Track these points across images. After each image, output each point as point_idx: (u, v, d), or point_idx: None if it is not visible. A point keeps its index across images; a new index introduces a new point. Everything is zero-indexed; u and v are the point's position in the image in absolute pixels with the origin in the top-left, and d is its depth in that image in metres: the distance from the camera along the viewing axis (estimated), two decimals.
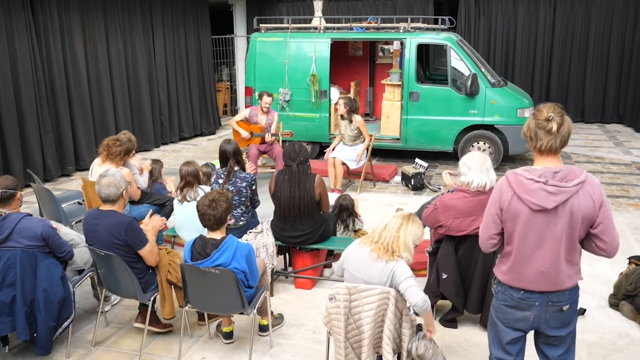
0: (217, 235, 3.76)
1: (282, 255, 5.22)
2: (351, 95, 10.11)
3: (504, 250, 2.80)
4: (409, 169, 8.06)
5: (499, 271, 2.84)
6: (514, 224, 2.66)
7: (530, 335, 2.90)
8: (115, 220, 3.84)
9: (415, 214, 3.46)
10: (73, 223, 5.55)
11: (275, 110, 8.41)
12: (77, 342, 4.24)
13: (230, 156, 5.09)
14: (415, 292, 3.18)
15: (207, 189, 4.90)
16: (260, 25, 9.59)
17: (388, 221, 3.34)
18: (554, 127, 2.56)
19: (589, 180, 2.59)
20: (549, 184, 2.56)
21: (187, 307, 3.90)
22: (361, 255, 3.32)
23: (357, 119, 7.63)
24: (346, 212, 5.56)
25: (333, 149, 7.88)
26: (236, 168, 5.08)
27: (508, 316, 2.80)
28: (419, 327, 3.41)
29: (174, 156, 10.42)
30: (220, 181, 5.06)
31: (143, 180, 5.69)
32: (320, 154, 9.56)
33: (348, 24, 9.61)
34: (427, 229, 4.60)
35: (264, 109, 7.94)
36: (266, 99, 7.90)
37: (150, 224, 4.10)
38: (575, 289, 2.74)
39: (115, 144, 5.35)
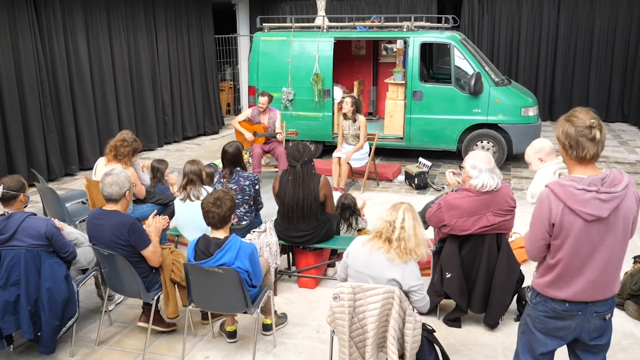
0: (220, 234, 3.76)
1: (286, 255, 5.21)
2: (354, 94, 10.09)
3: (547, 261, 2.67)
4: (413, 168, 8.04)
5: (539, 283, 2.72)
6: (566, 237, 2.54)
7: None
8: (117, 220, 3.84)
9: (419, 213, 3.43)
10: (77, 222, 5.56)
11: (278, 110, 8.41)
12: (81, 341, 4.24)
13: (227, 160, 5.11)
14: (423, 296, 3.31)
15: (210, 189, 4.90)
16: (264, 24, 9.59)
17: (399, 219, 3.25)
18: (598, 134, 2.47)
19: (630, 180, 2.54)
20: (601, 191, 2.45)
21: (190, 307, 3.90)
22: (375, 256, 3.26)
23: (361, 119, 7.62)
24: (348, 210, 5.54)
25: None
26: (238, 168, 5.09)
27: (549, 326, 2.71)
28: (423, 326, 3.39)
29: (178, 155, 10.43)
30: (223, 180, 5.06)
31: (147, 177, 5.78)
32: (324, 153, 9.54)
33: (351, 23, 9.60)
34: (431, 228, 4.60)
35: (260, 109, 7.96)
36: (261, 99, 7.95)
37: (153, 224, 4.10)
38: (614, 296, 2.70)
39: (122, 144, 5.37)
